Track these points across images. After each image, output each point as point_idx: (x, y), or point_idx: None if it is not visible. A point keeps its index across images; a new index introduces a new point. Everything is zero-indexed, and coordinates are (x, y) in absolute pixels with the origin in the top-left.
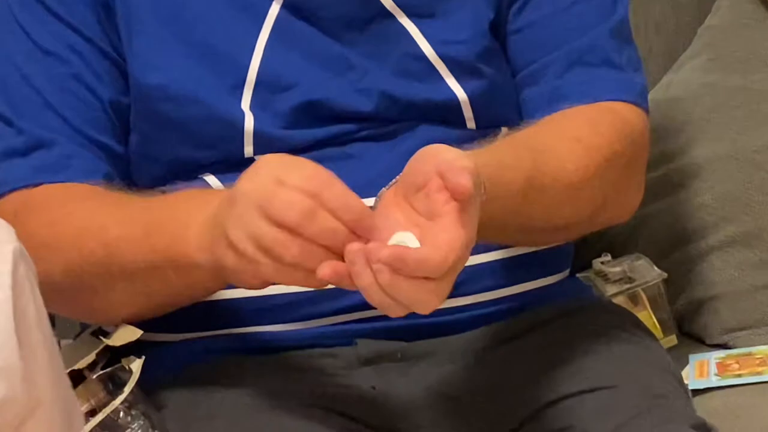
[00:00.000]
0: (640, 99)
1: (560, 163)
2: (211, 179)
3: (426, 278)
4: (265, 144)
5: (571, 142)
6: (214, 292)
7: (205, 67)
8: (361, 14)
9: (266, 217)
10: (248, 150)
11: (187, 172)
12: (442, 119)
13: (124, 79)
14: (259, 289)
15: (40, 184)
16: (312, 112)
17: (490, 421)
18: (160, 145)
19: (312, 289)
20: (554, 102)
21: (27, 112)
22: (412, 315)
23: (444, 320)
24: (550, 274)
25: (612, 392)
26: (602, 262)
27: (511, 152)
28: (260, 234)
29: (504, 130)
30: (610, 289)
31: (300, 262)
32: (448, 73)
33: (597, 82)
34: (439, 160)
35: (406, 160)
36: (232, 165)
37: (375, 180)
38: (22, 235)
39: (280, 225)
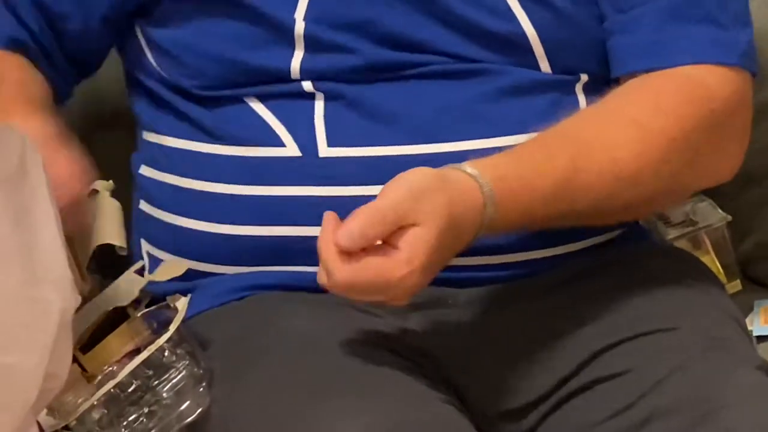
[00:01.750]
0: (742, 59)
1: (608, 153)
2: (257, 105)
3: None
4: (315, 49)
5: (627, 128)
6: None
7: None
8: None
9: None
10: (296, 59)
11: (235, 81)
12: (513, 60)
13: None
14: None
15: None
16: (367, 30)
17: (546, 366)
18: (209, 40)
19: None
20: (644, 58)
21: None
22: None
23: (497, 274)
24: (613, 230)
25: (671, 334)
26: None
27: (544, 152)
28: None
29: (584, 77)
30: (672, 233)
31: None
32: (517, 1)
33: (694, 41)
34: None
35: (479, 106)
36: (278, 83)
37: (430, 123)
38: None
39: None
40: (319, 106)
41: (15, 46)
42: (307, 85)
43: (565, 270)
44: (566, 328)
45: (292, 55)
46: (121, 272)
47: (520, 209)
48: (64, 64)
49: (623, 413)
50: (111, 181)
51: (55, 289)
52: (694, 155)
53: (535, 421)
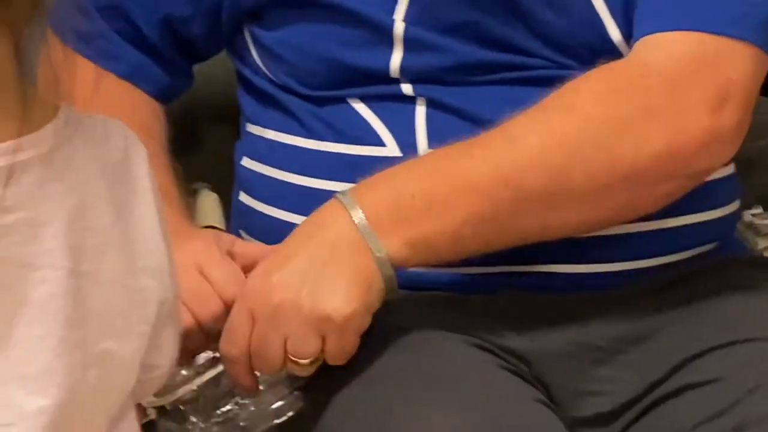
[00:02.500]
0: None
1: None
2: (359, 106)
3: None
4: (413, 49)
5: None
6: None
7: None
8: None
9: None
10: (395, 59)
11: (337, 82)
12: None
13: None
14: None
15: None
16: (465, 32)
17: (636, 371)
18: (312, 41)
19: None
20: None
21: None
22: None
23: (589, 282)
24: (707, 243)
25: (763, 344)
26: (753, 215)
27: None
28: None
29: None
30: (762, 243)
31: None
32: (605, 9)
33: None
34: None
35: None
36: (378, 84)
37: None
38: None
39: None
40: (421, 108)
41: (138, 73)
42: (407, 89)
43: (657, 279)
44: (657, 334)
45: (391, 56)
46: None
47: (391, 187)
48: (182, 68)
49: (713, 420)
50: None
51: (154, 279)
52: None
53: (624, 425)
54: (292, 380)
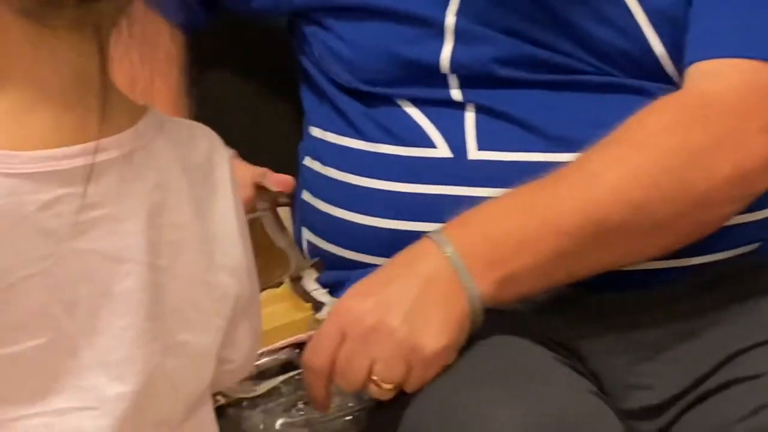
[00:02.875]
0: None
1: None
2: (412, 110)
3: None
4: (463, 40)
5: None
6: None
7: None
8: None
9: None
10: (446, 51)
11: (389, 77)
12: (648, 77)
13: None
14: None
15: None
16: (514, 32)
17: (683, 366)
18: (366, 35)
19: None
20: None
21: None
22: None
23: (638, 279)
24: (750, 243)
25: None
26: None
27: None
28: None
29: None
30: None
31: None
32: (647, 22)
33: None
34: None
35: (612, 117)
36: (429, 83)
37: (574, 134)
38: None
39: None
40: (470, 112)
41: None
42: (456, 94)
43: (701, 277)
44: (704, 330)
45: (441, 48)
46: None
47: (484, 218)
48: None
49: (758, 414)
50: None
51: (231, 276)
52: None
53: (671, 418)
54: (361, 399)
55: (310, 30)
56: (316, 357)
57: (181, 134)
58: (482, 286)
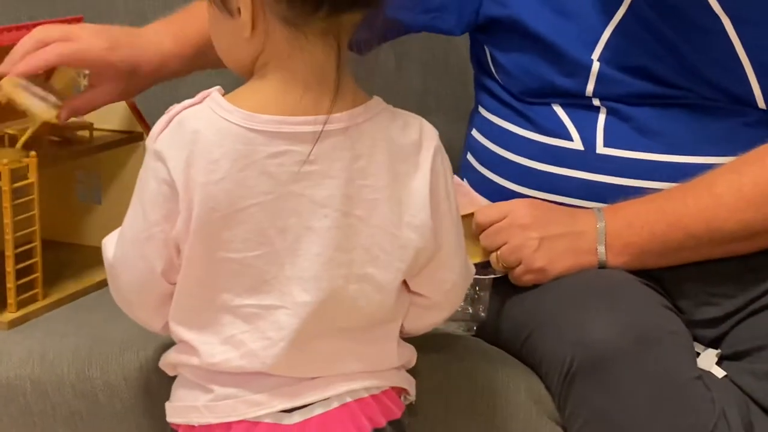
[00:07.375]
0: None
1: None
2: (558, 109)
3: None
4: (604, 81)
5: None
6: None
7: (571, 22)
8: (693, 12)
9: None
10: (590, 86)
11: (545, 94)
12: (744, 104)
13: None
14: None
15: None
16: (642, 72)
17: (740, 288)
18: (530, 63)
19: None
20: None
21: None
22: None
23: None
24: None
25: None
26: None
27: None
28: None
29: None
30: None
31: None
32: (752, 71)
33: None
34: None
35: (713, 129)
36: (575, 98)
37: (684, 140)
38: None
39: None
40: (602, 116)
41: None
42: (596, 101)
43: None
44: (759, 264)
45: (587, 83)
46: None
47: (631, 208)
48: None
49: None
50: None
51: (414, 233)
52: None
53: (728, 328)
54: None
55: (491, 54)
56: (482, 215)
57: (395, 122)
58: (611, 257)
